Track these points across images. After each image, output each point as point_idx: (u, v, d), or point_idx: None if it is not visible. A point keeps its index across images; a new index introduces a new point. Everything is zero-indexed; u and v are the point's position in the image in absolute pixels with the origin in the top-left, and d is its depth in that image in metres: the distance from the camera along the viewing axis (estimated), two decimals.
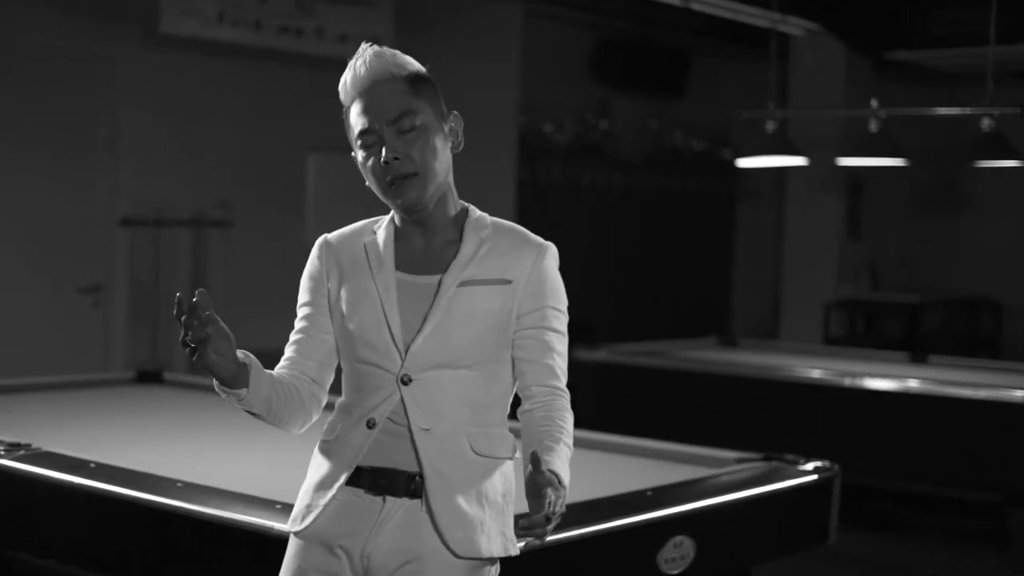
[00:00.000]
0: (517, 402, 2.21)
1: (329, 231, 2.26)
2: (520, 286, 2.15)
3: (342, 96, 2.17)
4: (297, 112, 7.70)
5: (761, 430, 5.89)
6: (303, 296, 2.23)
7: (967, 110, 5.93)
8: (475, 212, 2.21)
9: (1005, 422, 5.48)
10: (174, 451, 3.70)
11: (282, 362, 2.21)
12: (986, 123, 5.70)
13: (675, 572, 3.00)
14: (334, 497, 2.13)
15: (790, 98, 9.05)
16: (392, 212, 2.20)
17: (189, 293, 2.02)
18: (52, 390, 4.77)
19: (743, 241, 11.18)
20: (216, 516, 2.75)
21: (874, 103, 6.16)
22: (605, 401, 6.24)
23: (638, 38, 9.79)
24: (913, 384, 5.76)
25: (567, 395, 2.19)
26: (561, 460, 2.05)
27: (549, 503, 1.91)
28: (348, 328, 2.15)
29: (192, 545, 2.87)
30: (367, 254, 2.18)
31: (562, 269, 2.22)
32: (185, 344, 1.97)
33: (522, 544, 2.07)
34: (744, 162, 6.88)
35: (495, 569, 2.15)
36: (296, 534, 2.17)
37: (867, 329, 9.53)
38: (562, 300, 2.20)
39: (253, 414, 2.13)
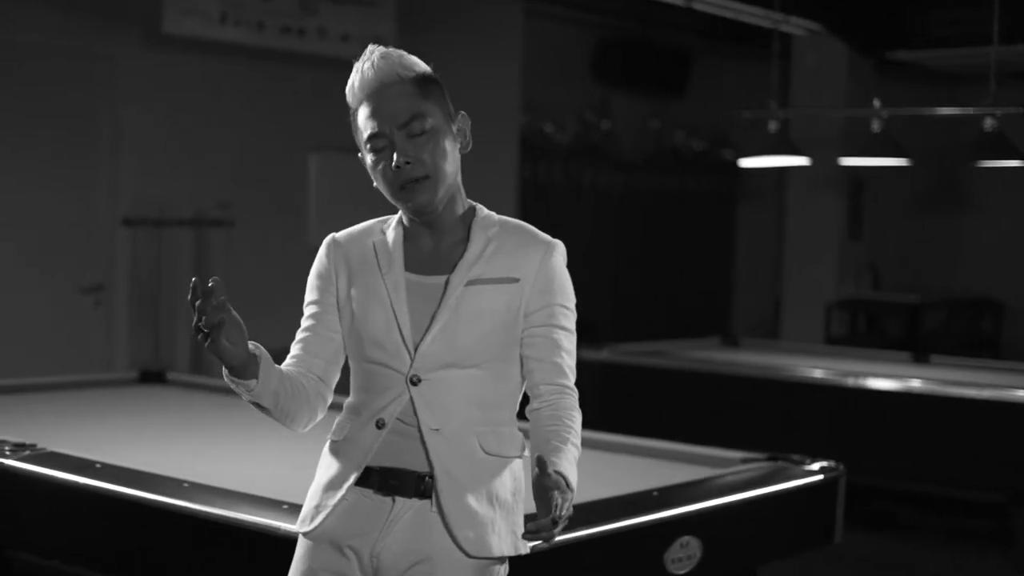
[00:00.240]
0: (526, 400, 2.20)
1: (330, 231, 2.25)
2: (528, 284, 2.14)
3: (349, 99, 2.16)
4: (298, 112, 7.70)
5: (764, 430, 5.89)
6: (311, 294, 2.22)
7: (970, 110, 5.93)
8: (482, 211, 2.21)
9: (1008, 422, 5.48)
10: (178, 451, 3.70)
11: (288, 360, 2.20)
12: (989, 123, 5.70)
13: (682, 572, 2.99)
14: (343, 497, 2.12)
15: (791, 98, 9.05)
16: (400, 212, 2.20)
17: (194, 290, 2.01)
18: (56, 390, 4.77)
19: (744, 241, 11.18)
20: (224, 516, 2.75)
21: (877, 103, 6.16)
22: (608, 401, 6.23)
23: (639, 38, 9.79)
24: (916, 384, 5.76)
25: (575, 393, 2.19)
26: (568, 461, 2.05)
27: (556, 506, 1.91)
28: (357, 328, 2.15)
29: (199, 546, 2.87)
30: (376, 254, 2.17)
31: None
32: (198, 330, 1.96)
33: (530, 546, 2.06)
34: (746, 162, 6.88)
35: (504, 568, 2.15)
36: (305, 535, 2.16)
37: (868, 329, 9.53)
38: (570, 298, 2.20)
39: (260, 407, 2.11)
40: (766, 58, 6.84)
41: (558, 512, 1.91)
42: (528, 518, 1.96)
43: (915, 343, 8.77)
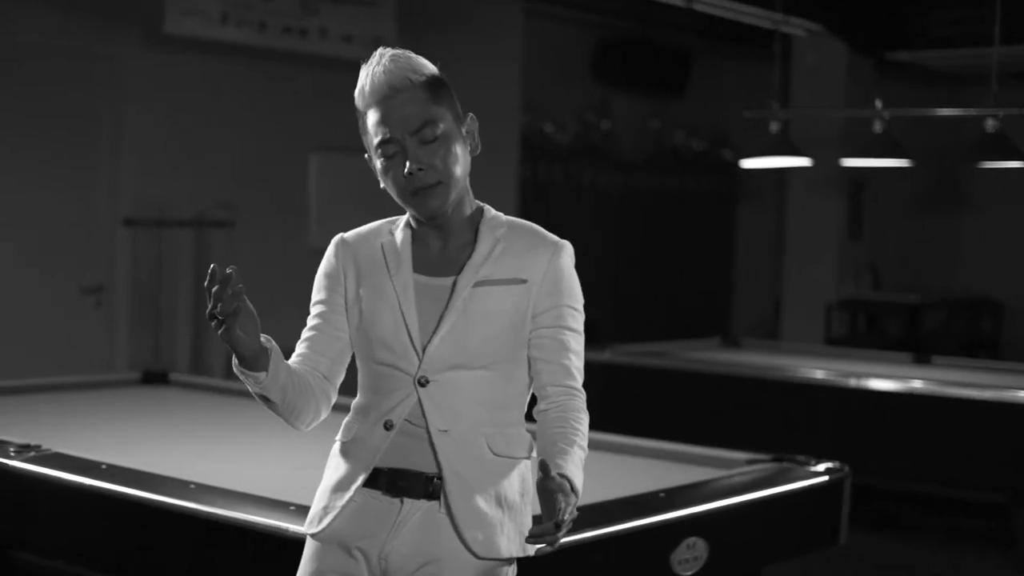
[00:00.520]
0: (535, 401, 2.20)
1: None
2: (535, 285, 2.14)
3: (358, 102, 2.14)
4: (299, 112, 7.69)
5: (766, 430, 5.89)
6: (318, 294, 2.21)
7: (972, 111, 5.93)
8: (490, 212, 2.20)
9: (1009, 422, 5.48)
10: (181, 452, 3.69)
11: (294, 358, 2.19)
12: (990, 124, 5.70)
13: (688, 573, 2.99)
14: (352, 499, 2.12)
15: (791, 98, 9.05)
16: (408, 213, 2.19)
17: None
18: (59, 391, 4.75)
19: (744, 241, 11.18)
20: (231, 518, 2.74)
21: (879, 104, 6.15)
22: (610, 402, 6.22)
23: (639, 38, 9.79)
24: (917, 385, 5.76)
25: (583, 395, 2.19)
26: (574, 464, 2.04)
27: (560, 509, 1.90)
28: (365, 329, 2.15)
29: (205, 546, 2.86)
30: (385, 255, 2.17)
31: None
32: (213, 316, 1.94)
33: (533, 549, 2.06)
34: (748, 163, 6.88)
35: (512, 569, 2.15)
36: (313, 536, 2.16)
37: (868, 329, 9.54)
38: (578, 299, 2.20)
39: (267, 401, 2.09)
40: (766, 58, 6.84)
41: (561, 516, 1.90)
42: (536, 519, 1.96)
43: (915, 343, 8.77)
